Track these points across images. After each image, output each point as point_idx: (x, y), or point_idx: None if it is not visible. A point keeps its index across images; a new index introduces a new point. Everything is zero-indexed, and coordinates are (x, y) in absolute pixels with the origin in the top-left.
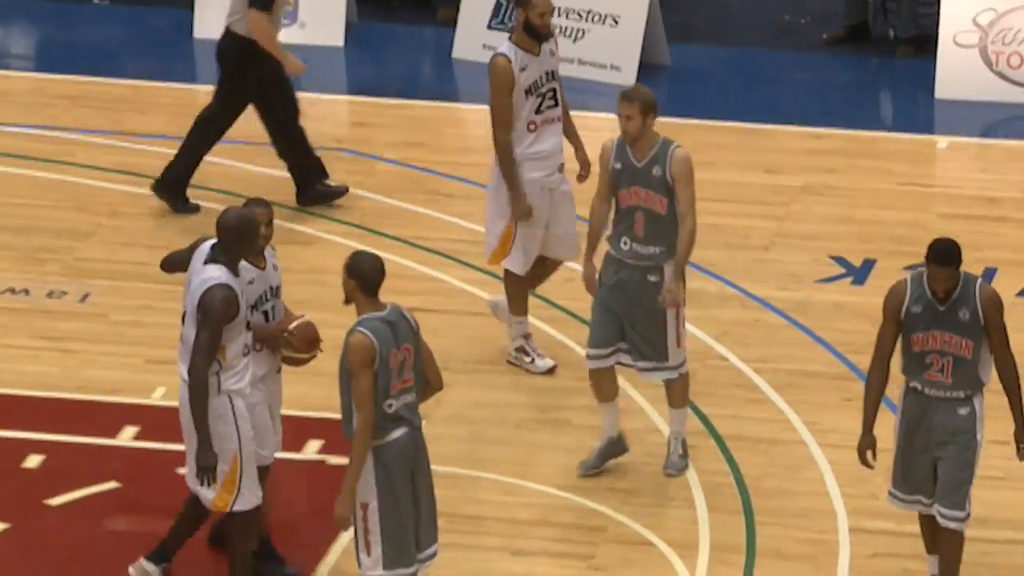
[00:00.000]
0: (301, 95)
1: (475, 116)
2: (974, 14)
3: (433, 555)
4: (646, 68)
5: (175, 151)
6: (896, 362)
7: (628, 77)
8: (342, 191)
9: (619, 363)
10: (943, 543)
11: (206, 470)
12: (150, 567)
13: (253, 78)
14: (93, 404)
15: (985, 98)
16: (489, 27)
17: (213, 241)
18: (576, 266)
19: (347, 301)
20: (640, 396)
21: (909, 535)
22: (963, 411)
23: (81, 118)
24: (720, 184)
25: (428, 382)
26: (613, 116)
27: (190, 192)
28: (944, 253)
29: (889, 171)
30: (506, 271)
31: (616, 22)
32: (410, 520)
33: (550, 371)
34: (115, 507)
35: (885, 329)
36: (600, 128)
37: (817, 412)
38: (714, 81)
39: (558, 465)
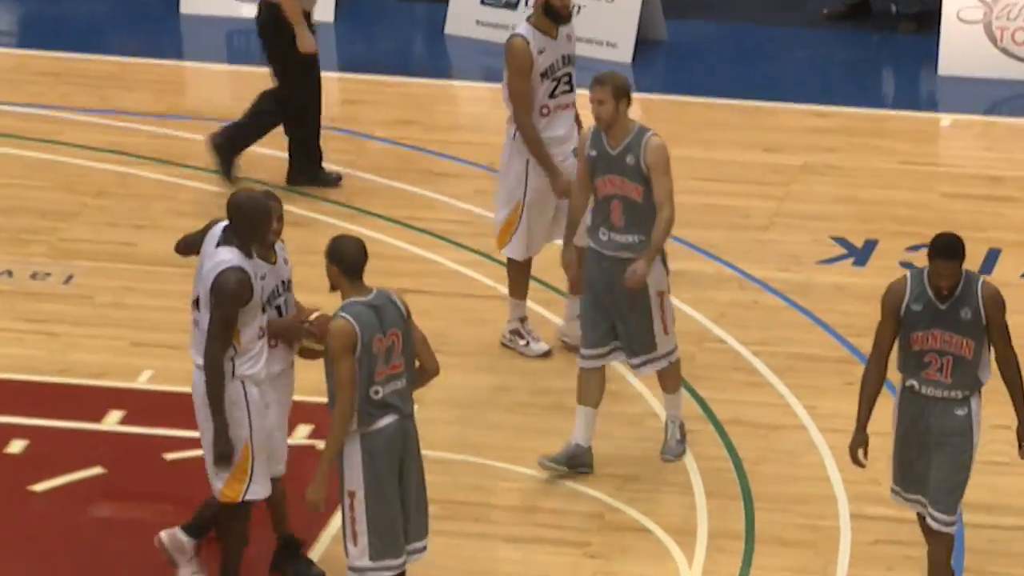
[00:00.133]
0: None
1: (468, 93)
2: None
3: (422, 549)
4: (643, 44)
5: (168, 129)
6: (892, 360)
7: (624, 54)
8: (335, 179)
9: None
10: (931, 545)
11: (224, 458)
12: (184, 538)
13: (291, 43)
14: (77, 388)
15: (989, 75)
16: (482, 2)
17: (225, 223)
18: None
19: (332, 288)
20: (638, 381)
21: (911, 521)
22: (960, 412)
23: (67, 95)
24: (719, 163)
25: (423, 368)
26: None
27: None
28: (949, 246)
29: (891, 150)
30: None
31: None
32: (398, 511)
33: (545, 355)
34: (100, 493)
35: (884, 327)
36: None
37: (817, 396)
38: (713, 58)
39: (553, 450)
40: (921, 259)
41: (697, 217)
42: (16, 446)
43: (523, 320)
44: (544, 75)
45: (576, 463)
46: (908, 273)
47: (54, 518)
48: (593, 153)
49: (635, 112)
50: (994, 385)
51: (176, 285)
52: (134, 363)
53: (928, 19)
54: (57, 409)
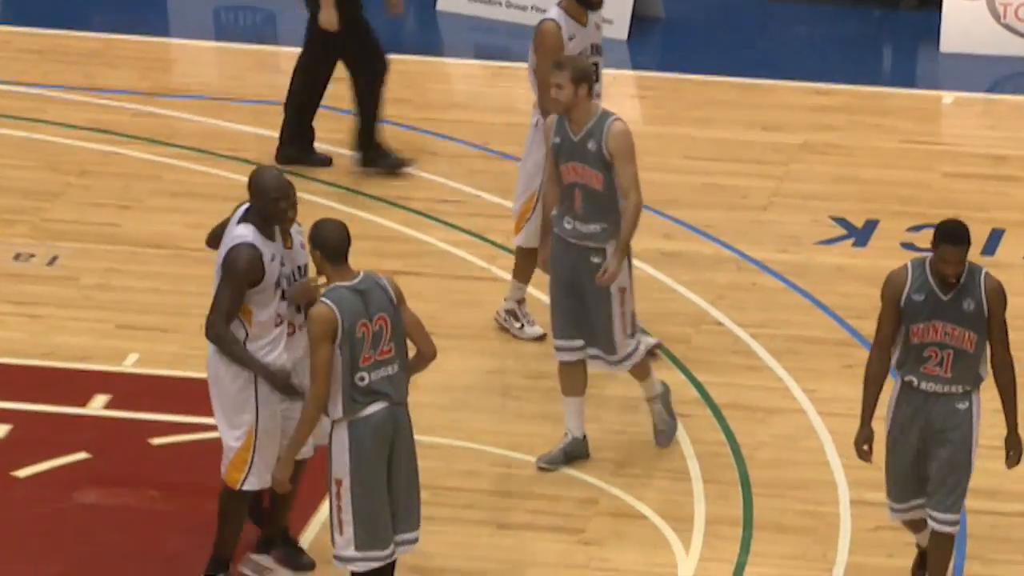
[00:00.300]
0: (278, 49)
1: (461, 71)
2: None
3: (413, 541)
4: (639, 21)
5: (153, 108)
6: None
7: (621, 30)
8: (326, 161)
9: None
10: (933, 547)
11: (289, 389)
12: (259, 557)
13: (343, 19)
14: (62, 371)
15: (992, 52)
16: None
17: (248, 205)
18: None
19: (319, 272)
20: None
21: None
22: (961, 406)
23: (50, 73)
24: (717, 142)
25: (420, 352)
26: (605, 72)
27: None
28: (955, 232)
29: (892, 128)
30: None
31: None
32: (385, 500)
33: (539, 338)
34: (85, 479)
35: (885, 318)
36: None
37: (817, 379)
38: (710, 34)
39: (546, 435)
40: (922, 240)
41: (695, 197)
42: None
43: (520, 302)
44: None
45: (574, 456)
46: (909, 262)
47: (38, 504)
48: (557, 140)
49: (631, 90)
50: None
51: (162, 267)
52: (119, 346)
53: None
54: (41, 393)
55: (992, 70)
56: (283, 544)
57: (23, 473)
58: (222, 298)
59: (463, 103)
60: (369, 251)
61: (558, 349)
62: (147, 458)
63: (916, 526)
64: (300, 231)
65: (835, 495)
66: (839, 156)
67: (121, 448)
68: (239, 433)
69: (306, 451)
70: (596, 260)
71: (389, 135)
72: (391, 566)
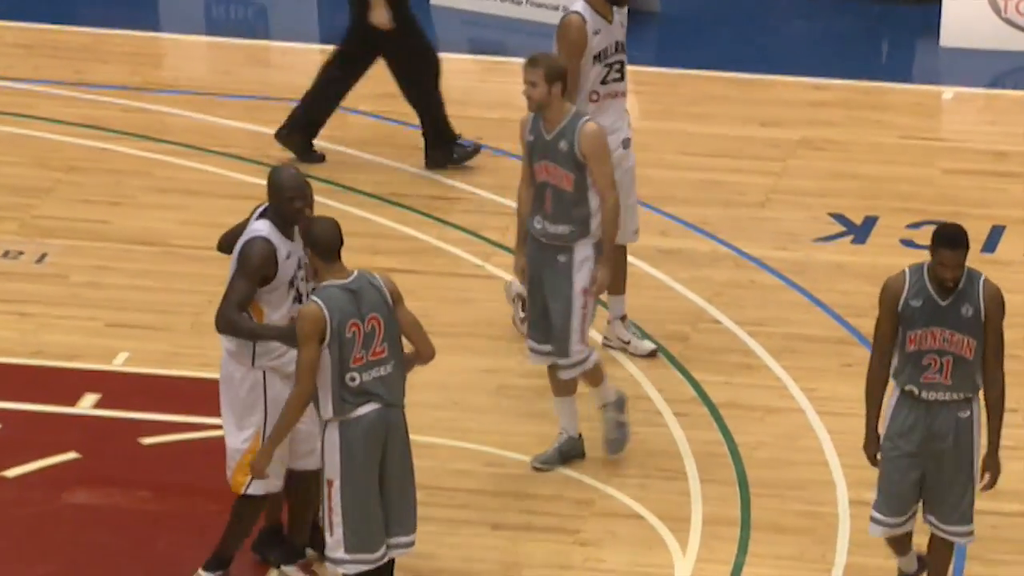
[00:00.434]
0: (270, 44)
1: (455, 66)
2: None
3: (407, 544)
4: (634, 15)
5: (143, 103)
6: None
7: None
8: (319, 158)
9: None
10: (938, 553)
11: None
12: (288, 569)
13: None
14: (51, 370)
15: (993, 46)
16: None
17: (267, 205)
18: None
19: (312, 271)
20: (630, 364)
21: None
22: (964, 414)
23: (39, 68)
24: (714, 138)
25: (417, 352)
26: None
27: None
28: (953, 235)
29: (892, 124)
30: None
31: None
32: (376, 503)
33: (651, 354)
34: (74, 479)
35: (883, 324)
36: None
37: (815, 378)
38: (707, 29)
39: (542, 434)
40: (922, 236)
41: (692, 194)
42: None
43: (623, 318)
44: (597, 58)
45: (569, 455)
46: (907, 268)
47: (27, 504)
48: (531, 138)
49: (627, 85)
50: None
51: (152, 264)
52: (109, 345)
53: None
54: (30, 392)
55: (993, 65)
56: (279, 544)
57: (11, 473)
58: (234, 289)
59: (457, 98)
60: (362, 248)
61: (531, 350)
62: (137, 458)
63: (900, 546)
64: None
65: (834, 495)
66: (837, 152)
67: (111, 448)
68: (247, 435)
69: (317, 461)
70: (562, 259)
71: (382, 131)
72: (388, 567)
